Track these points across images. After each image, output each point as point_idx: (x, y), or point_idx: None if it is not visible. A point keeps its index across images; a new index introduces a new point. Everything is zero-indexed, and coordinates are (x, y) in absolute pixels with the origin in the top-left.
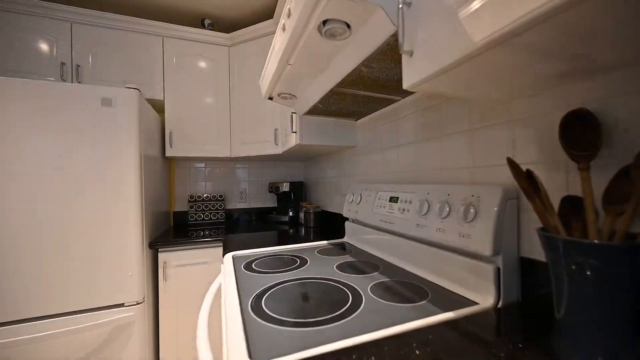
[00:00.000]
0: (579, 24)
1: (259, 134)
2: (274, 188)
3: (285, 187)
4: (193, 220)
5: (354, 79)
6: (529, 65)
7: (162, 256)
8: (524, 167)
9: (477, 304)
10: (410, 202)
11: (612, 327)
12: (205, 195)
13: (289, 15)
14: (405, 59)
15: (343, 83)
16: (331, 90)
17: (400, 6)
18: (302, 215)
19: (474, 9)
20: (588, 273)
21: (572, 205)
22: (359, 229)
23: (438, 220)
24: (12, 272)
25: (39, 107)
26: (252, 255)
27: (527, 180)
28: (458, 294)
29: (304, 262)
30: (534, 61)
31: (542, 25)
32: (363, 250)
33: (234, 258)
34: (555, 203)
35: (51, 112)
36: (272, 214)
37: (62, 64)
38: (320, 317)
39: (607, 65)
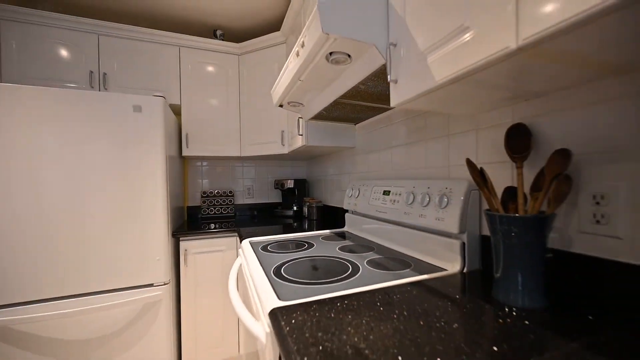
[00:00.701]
0: (507, 71)
1: (267, 135)
2: (279, 185)
3: (290, 184)
4: (205, 214)
5: (353, 93)
6: (481, 93)
7: (183, 244)
8: (483, 166)
9: (446, 270)
10: (400, 194)
11: (528, 273)
12: (216, 191)
13: (302, 46)
14: (391, 84)
15: (344, 96)
16: (334, 101)
17: (388, 46)
18: (305, 209)
19: (435, 58)
20: (513, 238)
21: (510, 193)
22: (357, 219)
23: (420, 208)
24: (65, 256)
25: (81, 113)
26: (265, 241)
27: (479, 176)
28: (434, 265)
29: (311, 245)
30: (483, 91)
31: (479, 73)
32: (361, 236)
33: (251, 243)
34: (500, 192)
35: (90, 117)
36: (277, 209)
37: (91, 72)
38: (328, 279)
39: (535, 94)
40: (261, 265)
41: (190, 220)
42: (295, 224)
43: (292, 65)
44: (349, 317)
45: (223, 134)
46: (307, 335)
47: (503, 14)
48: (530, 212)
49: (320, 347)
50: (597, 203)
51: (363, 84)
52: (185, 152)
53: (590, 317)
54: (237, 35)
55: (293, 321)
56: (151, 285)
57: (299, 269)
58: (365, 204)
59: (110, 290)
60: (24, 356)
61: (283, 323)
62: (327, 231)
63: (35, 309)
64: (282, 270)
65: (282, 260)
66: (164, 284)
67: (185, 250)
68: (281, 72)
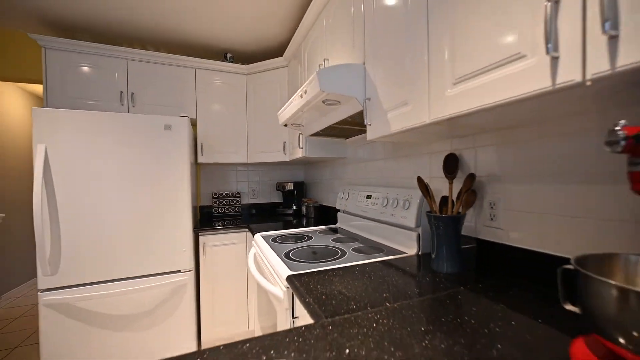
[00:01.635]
0: (430, 129)
1: (271, 145)
2: (280, 187)
3: (290, 187)
4: (216, 213)
5: (342, 122)
6: (421, 136)
7: (202, 238)
8: (433, 179)
9: (406, 253)
10: (378, 198)
11: (450, 253)
12: (225, 192)
13: (305, 92)
14: (367, 125)
15: (336, 123)
16: (328, 126)
17: (365, 99)
18: (304, 208)
19: (391, 116)
20: (441, 229)
21: (444, 200)
22: (347, 217)
23: (391, 209)
24: (113, 248)
25: (125, 130)
26: (273, 235)
27: (425, 188)
28: (399, 250)
29: (310, 238)
30: (422, 135)
31: (414, 129)
32: (349, 231)
33: (262, 236)
34: (438, 199)
35: (131, 134)
36: (279, 208)
37: (121, 92)
38: (323, 259)
39: (457, 136)
40: (274, 251)
41: (204, 218)
42: (294, 221)
43: (296, 101)
44: (336, 278)
45: (232, 143)
46: (310, 287)
47: (423, 99)
48: (450, 213)
49: (319, 292)
50: (492, 207)
51: (350, 118)
52: (200, 160)
53: (481, 274)
54: (244, 57)
55: (301, 281)
56: (179, 271)
57: (302, 253)
58: (353, 205)
59: (147, 275)
60: (81, 326)
61: (296, 282)
62: (323, 227)
63: (90, 289)
64: (290, 254)
65: (289, 248)
66: (189, 271)
67: (204, 243)
68: (287, 103)
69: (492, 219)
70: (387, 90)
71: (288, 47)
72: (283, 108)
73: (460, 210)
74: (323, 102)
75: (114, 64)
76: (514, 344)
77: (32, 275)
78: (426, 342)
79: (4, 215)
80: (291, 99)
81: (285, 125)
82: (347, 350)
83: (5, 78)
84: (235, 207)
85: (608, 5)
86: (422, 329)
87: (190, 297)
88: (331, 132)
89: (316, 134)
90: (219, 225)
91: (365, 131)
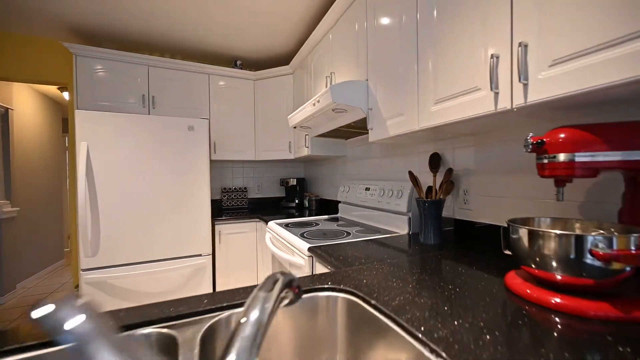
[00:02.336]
0: (419, 134)
1: (277, 144)
2: (284, 182)
3: (293, 182)
4: (225, 206)
5: (347, 125)
6: (413, 139)
7: (217, 227)
8: (420, 173)
9: (399, 233)
10: (375, 190)
11: (433, 229)
12: (233, 187)
13: (318, 102)
14: (370, 130)
15: (341, 126)
16: (334, 129)
17: (368, 109)
18: (306, 201)
19: (390, 123)
20: (427, 211)
21: (429, 189)
22: (347, 208)
23: (387, 199)
24: (144, 234)
25: (155, 131)
26: (285, 222)
27: (414, 180)
28: (394, 231)
29: (317, 224)
30: (414, 139)
31: (407, 134)
32: (350, 219)
33: (276, 223)
34: (425, 188)
35: (160, 133)
36: (282, 202)
37: (143, 95)
38: (332, 238)
39: (440, 139)
40: (291, 233)
41: (214, 211)
42: (297, 213)
43: (309, 108)
44: (346, 248)
45: (241, 142)
46: (329, 253)
47: (414, 110)
48: (434, 198)
49: (335, 255)
50: (465, 194)
51: (353, 123)
52: (213, 157)
53: (456, 243)
54: (252, 64)
55: (320, 250)
56: (199, 255)
57: (314, 234)
58: (353, 196)
59: (172, 258)
60: (114, 301)
61: (317, 251)
62: (326, 216)
63: (124, 269)
64: (304, 234)
65: (302, 231)
66: (208, 255)
67: (219, 231)
68: (299, 109)
69: (465, 202)
70: (386, 103)
71: (294, 57)
72: (294, 113)
73: (441, 196)
74: (333, 110)
75: (137, 69)
76: (471, 278)
77: (44, 266)
78: (415, 277)
79: (18, 208)
80: (303, 105)
81: (295, 127)
82: (365, 280)
83: (29, 80)
84: (243, 200)
85: (522, 67)
86: (413, 271)
87: (208, 277)
88: (334, 133)
89: (321, 135)
90: (233, 217)
91: (363, 133)
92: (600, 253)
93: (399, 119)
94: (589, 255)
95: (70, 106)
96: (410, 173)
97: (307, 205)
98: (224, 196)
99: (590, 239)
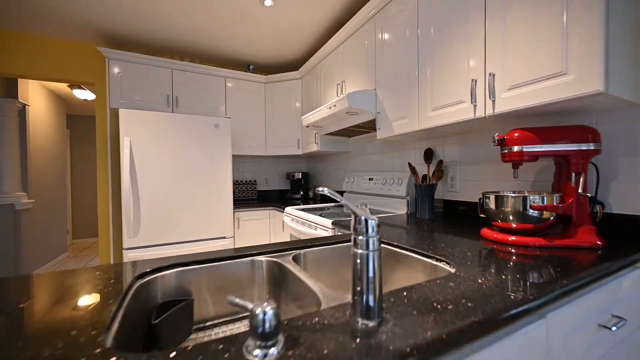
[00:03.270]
0: (419, 133)
1: (286, 141)
2: (290, 176)
3: (298, 175)
4: (237, 197)
5: (355, 125)
6: (414, 138)
7: (237, 214)
8: (418, 165)
9: (399, 213)
10: (378, 179)
11: (427, 207)
12: (244, 180)
13: (334, 106)
14: (377, 129)
15: (351, 126)
16: (343, 128)
17: (376, 112)
18: (311, 193)
19: (395, 124)
20: (422, 193)
21: (424, 177)
22: (352, 196)
23: (389, 186)
24: (176, 219)
25: (186, 128)
26: (300, 208)
27: (413, 169)
28: (395, 212)
29: (327, 209)
30: (415, 137)
31: (410, 133)
32: (356, 203)
33: (293, 209)
34: (421, 176)
35: (190, 130)
36: (287, 194)
37: (167, 95)
38: (347, 217)
39: (434, 137)
40: (310, 214)
41: None
42: (302, 203)
43: (325, 111)
44: None
45: (254, 139)
46: (347, 226)
47: (415, 115)
48: (428, 183)
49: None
50: (452, 180)
51: (362, 123)
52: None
53: (444, 218)
54: (264, 68)
55: (341, 223)
56: (224, 237)
57: (329, 214)
58: (357, 186)
59: (201, 239)
60: None
61: (340, 224)
62: (332, 204)
63: (160, 249)
64: (322, 215)
65: (319, 213)
66: (231, 237)
67: (238, 218)
68: (314, 111)
69: (452, 186)
70: (392, 108)
71: (304, 65)
72: (309, 114)
73: (434, 182)
74: (347, 112)
75: (162, 72)
76: (457, 234)
77: (52, 257)
78: (418, 235)
79: (33, 200)
80: (319, 108)
81: (308, 126)
82: (384, 235)
83: (59, 79)
84: (252, 192)
85: (491, 89)
86: (416, 232)
87: None
88: (342, 132)
89: (330, 134)
90: (245, 206)
91: (367, 132)
92: (536, 205)
93: (403, 121)
94: (530, 209)
95: (98, 104)
96: (410, 164)
97: (311, 196)
98: (236, 188)
99: (531, 197)
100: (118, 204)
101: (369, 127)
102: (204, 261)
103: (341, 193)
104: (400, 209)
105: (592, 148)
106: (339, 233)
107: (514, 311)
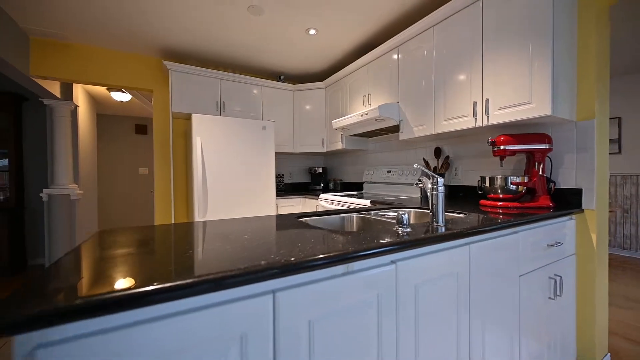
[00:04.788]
0: (433, 136)
1: (312, 140)
2: (312, 170)
3: (319, 170)
4: None
5: (378, 129)
6: (427, 139)
7: (276, 201)
8: (429, 160)
9: (414, 196)
10: (396, 171)
11: None
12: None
13: (366, 114)
14: (400, 133)
15: (373, 129)
16: (366, 131)
17: (399, 119)
18: (331, 184)
19: (416, 129)
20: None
21: (435, 169)
22: (371, 186)
23: (405, 176)
24: (231, 206)
25: (241, 130)
26: (332, 195)
27: (426, 163)
28: (411, 196)
29: (353, 196)
30: (427, 138)
31: (427, 135)
32: (375, 192)
33: (328, 195)
34: (432, 168)
35: (243, 131)
36: (310, 186)
37: (217, 101)
38: (376, 199)
39: (443, 139)
40: (346, 197)
41: None
42: (324, 193)
43: (356, 117)
44: (387, 201)
45: (284, 138)
46: (382, 202)
47: (431, 123)
48: (438, 172)
49: (385, 204)
50: (455, 170)
51: (385, 127)
52: None
53: (449, 198)
54: (292, 78)
55: (377, 200)
56: None
57: (360, 197)
58: (377, 177)
59: None
60: None
61: (377, 200)
62: (355, 192)
63: None
64: (355, 197)
65: (353, 196)
66: None
67: (277, 204)
68: (346, 117)
69: (455, 175)
70: (412, 118)
71: (329, 78)
72: (340, 119)
73: (442, 172)
74: (375, 119)
75: (212, 82)
76: (461, 205)
77: None
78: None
79: (82, 192)
80: (350, 115)
81: (337, 128)
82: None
83: (125, 86)
84: (280, 184)
85: (487, 108)
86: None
87: None
88: (363, 134)
89: (354, 135)
90: (281, 195)
91: (385, 134)
92: (514, 182)
93: (422, 127)
94: (510, 185)
95: (158, 108)
96: (424, 159)
97: (331, 187)
98: None
99: (511, 177)
100: (180, 193)
101: (389, 130)
102: (335, 212)
103: (361, 184)
104: (414, 194)
105: (547, 147)
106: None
107: (498, 225)
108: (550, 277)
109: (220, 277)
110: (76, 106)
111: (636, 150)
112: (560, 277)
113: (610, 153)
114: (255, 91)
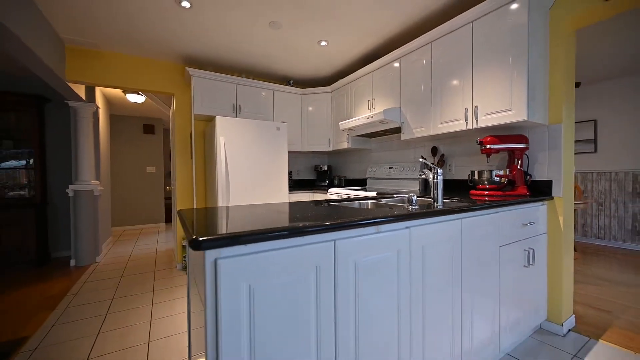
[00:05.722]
0: (430, 136)
1: (319, 139)
2: (318, 168)
3: (325, 167)
4: None
5: (381, 130)
6: (427, 139)
7: (288, 195)
8: (428, 158)
9: (413, 189)
10: (397, 168)
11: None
12: None
13: (372, 117)
14: (402, 133)
15: (376, 130)
16: (369, 132)
17: (401, 121)
18: (335, 180)
19: (416, 130)
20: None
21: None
22: (374, 181)
23: (405, 172)
24: (253, 195)
25: (256, 130)
26: (339, 189)
27: (424, 161)
28: (411, 190)
29: (359, 189)
30: (425, 138)
31: (424, 135)
32: (378, 187)
33: (336, 189)
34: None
35: (258, 132)
36: (315, 182)
37: (233, 104)
38: (382, 192)
39: (438, 140)
40: (353, 191)
41: None
42: (330, 188)
43: (362, 120)
44: (391, 192)
45: (293, 137)
46: (387, 194)
47: (429, 126)
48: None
49: (389, 195)
50: (450, 166)
51: (388, 129)
52: None
53: (445, 191)
54: (300, 82)
55: (383, 193)
56: None
57: (367, 191)
58: (380, 173)
59: None
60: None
61: (382, 193)
62: (359, 187)
63: None
64: (361, 191)
65: (358, 189)
66: None
67: (289, 198)
68: (352, 119)
69: (449, 170)
70: (412, 120)
71: (335, 84)
72: (347, 121)
73: (438, 167)
74: (379, 122)
75: (229, 86)
76: (455, 194)
77: (106, 237)
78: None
79: (102, 188)
80: (356, 117)
81: (343, 130)
82: (411, 194)
83: (148, 89)
84: (290, 181)
85: (476, 113)
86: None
87: None
88: (368, 135)
89: (359, 135)
90: (292, 190)
91: (386, 135)
92: (498, 174)
93: (421, 129)
94: (495, 177)
95: (179, 110)
96: (422, 157)
97: (336, 183)
98: None
99: (495, 171)
100: (199, 185)
101: (391, 131)
102: (350, 199)
103: (363, 180)
104: (414, 188)
105: (525, 146)
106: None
107: (483, 206)
108: (524, 250)
109: (314, 225)
110: (97, 107)
111: (610, 150)
112: (533, 249)
113: (586, 152)
114: (267, 95)
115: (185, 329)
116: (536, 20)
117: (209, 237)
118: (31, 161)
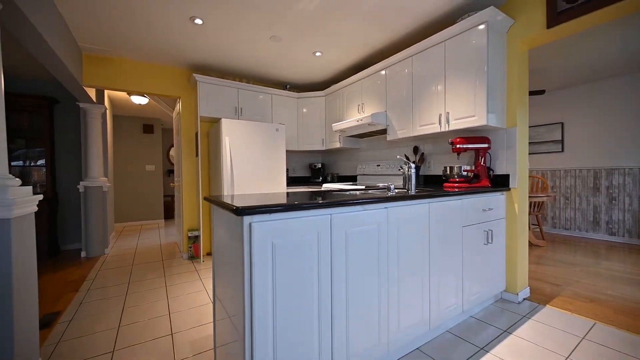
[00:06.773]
0: (412, 137)
1: (313, 139)
2: (312, 166)
3: (319, 165)
4: None
5: (369, 132)
6: (408, 139)
7: (286, 190)
8: (409, 156)
9: (397, 184)
10: (384, 165)
11: (415, 180)
12: None
13: (361, 120)
14: (387, 134)
15: (365, 132)
16: (359, 133)
17: (387, 124)
18: (329, 177)
19: (399, 132)
20: (412, 172)
21: (413, 162)
22: (364, 178)
23: (391, 168)
24: (255, 190)
25: (257, 131)
26: (331, 184)
27: (407, 158)
28: (396, 185)
29: (350, 184)
30: (408, 139)
31: (408, 137)
32: (367, 182)
33: (329, 184)
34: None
35: (261, 133)
36: (310, 179)
37: (235, 107)
38: (370, 186)
39: (420, 140)
40: (344, 185)
41: None
42: (323, 184)
43: (353, 122)
44: (379, 184)
45: (289, 138)
46: (376, 188)
47: (411, 128)
48: (416, 165)
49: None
50: (429, 163)
51: (375, 130)
52: None
53: (424, 184)
54: (296, 86)
55: (371, 185)
56: None
57: (357, 185)
58: (368, 170)
59: None
60: None
61: (370, 187)
62: (350, 182)
63: None
64: (352, 185)
65: (349, 184)
66: None
67: (287, 193)
68: (344, 122)
69: (429, 167)
70: (396, 123)
71: (328, 89)
72: (339, 123)
73: (419, 164)
74: (368, 124)
75: (232, 91)
76: (433, 187)
77: (110, 232)
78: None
79: (110, 184)
80: (348, 120)
81: (336, 131)
82: (394, 187)
83: (156, 93)
84: (286, 177)
85: (447, 118)
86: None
87: None
88: (358, 135)
89: (350, 136)
90: (290, 185)
91: (374, 135)
92: (465, 169)
93: (403, 130)
94: (463, 172)
95: (186, 112)
96: (405, 155)
97: (329, 179)
98: None
99: (463, 166)
100: (204, 180)
101: (378, 132)
102: (352, 190)
103: (354, 177)
104: (399, 182)
105: (487, 146)
106: None
107: (449, 193)
108: (484, 230)
109: (317, 203)
110: (106, 109)
111: (575, 149)
112: (492, 230)
113: (555, 152)
114: (266, 98)
115: (200, 304)
116: (495, 42)
117: (247, 207)
118: (41, 160)
